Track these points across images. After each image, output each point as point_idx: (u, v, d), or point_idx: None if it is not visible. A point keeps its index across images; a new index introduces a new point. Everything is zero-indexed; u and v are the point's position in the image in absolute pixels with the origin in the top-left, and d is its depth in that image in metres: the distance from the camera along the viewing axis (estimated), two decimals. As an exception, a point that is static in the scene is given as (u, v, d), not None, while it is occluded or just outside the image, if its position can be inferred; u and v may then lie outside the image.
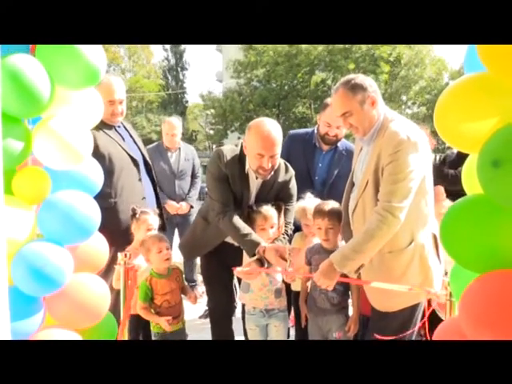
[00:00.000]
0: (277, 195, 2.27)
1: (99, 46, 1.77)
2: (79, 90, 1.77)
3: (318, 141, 2.79)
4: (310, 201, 2.45)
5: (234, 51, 23.24)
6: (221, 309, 2.35)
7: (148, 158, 2.79)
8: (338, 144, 2.80)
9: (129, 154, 2.60)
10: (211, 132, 26.20)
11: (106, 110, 2.40)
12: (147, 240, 2.34)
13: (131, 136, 2.73)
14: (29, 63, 1.57)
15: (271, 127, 2.04)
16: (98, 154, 2.26)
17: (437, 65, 20.08)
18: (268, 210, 2.18)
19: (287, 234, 2.29)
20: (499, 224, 1.08)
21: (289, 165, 2.33)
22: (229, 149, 2.22)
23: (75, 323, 1.79)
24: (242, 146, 2.19)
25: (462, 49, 1.35)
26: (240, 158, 2.19)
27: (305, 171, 2.73)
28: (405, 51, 18.99)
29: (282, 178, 2.25)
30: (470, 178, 1.21)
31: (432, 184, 1.88)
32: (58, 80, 1.68)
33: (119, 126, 2.65)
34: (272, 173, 2.16)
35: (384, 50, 18.68)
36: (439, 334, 1.33)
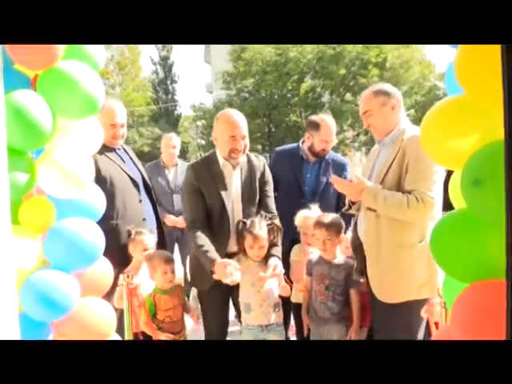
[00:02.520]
0: (260, 188, 2.37)
1: (97, 76, 1.85)
2: (80, 120, 1.84)
3: (306, 154, 2.94)
4: (314, 211, 2.56)
5: (223, 62, 23.43)
6: (215, 331, 2.39)
7: (147, 179, 2.85)
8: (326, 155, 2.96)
9: (129, 176, 2.66)
10: (203, 142, 26.26)
11: (108, 133, 2.48)
12: (154, 258, 2.40)
13: (131, 158, 2.80)
14: (31, 99, 1.64)
15: (236, 113, 2.30)
16: (99, 177, 2.33)
17: (423, 67, 20.38)
18: (260, 230, 2.22)
19: (276, 226, 2.32)
20: (484, 237, 1.16)
21: (256, 154, 2.49)
22: (195, 161, 2.41)
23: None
24: (209, 154, 2.38)
25: (448, 51, 1.43)
26: (209, 161, 2.32)
27: (294, 183, 2.89)
28: (389, 53, 19.20)
29: (257, 166, 2.38)
30: (456, 193, 1.30)
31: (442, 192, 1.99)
32: (59, 112, 1.75)
33: (119, 149, 2.72)
34: (245, 157, 2.31)
35: (373, 53, 18.91)
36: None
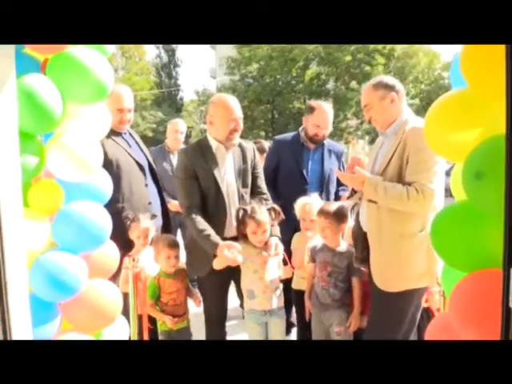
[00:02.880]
0: (252, 170, 2.45)
1: (106, 62, 1.87)
2: (89, 105, 1.86)
3: (305, 141, 3.00)
4: (313, 198, 2.60)
5: (227, 48, 23.19)
6: (215, 314, 2.45)
7: (153, 164, 2.88)
8: (324, 142, 3.03)
9: (135, 160, 2.69)
10: (206, 127, 26.16)
11: (115, 118, 2.50)
12: (159, 242, 2.45)
13: (137, 142, 2.83)
14: (42, 83, 1.66)
15: (230, 97, 2.39)
16: (105, 160, 2.32)
17: (429, 56, 20.20)
18: (262, 215, 2.27)
19: (273, 208, 2.38)
20: (483, 228, 1.19)
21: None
22: (187, 147, 2.47)
23: (90, 327, 1.89)
24: (198, 140, 2.45)
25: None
26: (201, 145, 2.37)
27: (297, 170, 2.95)
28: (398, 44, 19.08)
29: (247, 148, 2.47)
30: (457, 185, 1.32)
31: (444, 184, 2.01)
32: (69, 97, 1.77)
33: (125, 133, 2.74)
34: (238, 138, 2.38)
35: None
36: (432, 329, 1.45)
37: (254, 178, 2.47)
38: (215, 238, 2.19)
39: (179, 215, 4.03)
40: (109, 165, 2.42)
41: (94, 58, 1.80)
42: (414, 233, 1.95)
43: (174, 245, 2.47)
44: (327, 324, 2.32)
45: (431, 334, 1.41)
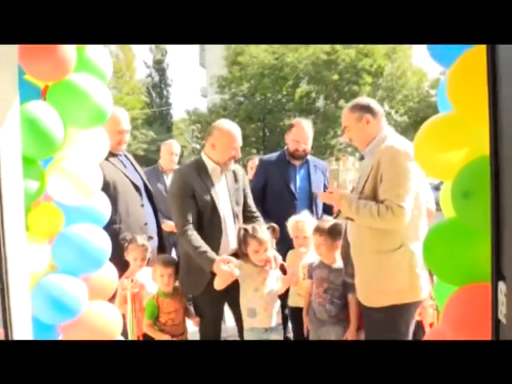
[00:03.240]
0: (243, 188, 2.55)
1: (105, 88, 1.93)
2: (89, 129, 1.91)
3: (290, 158, 3.11)
4: (304, 215, 2.69)
5: (218, 67, 23.53)
6: (211, 333, 2.46)
7: (148, 184, 2.92)
8: (308, 158, 3.15)
9: (131, 181, 2.73)
10: (197, 146, 26.31)
11: (113, 139, 2.56)
12: (155, 261, 2.47)
13: (132, 163, 2.87)
14: (44, 109, 1.71)
15: (234, 124, 2.47)
16: (103, 181, 2.38)
17: (417, 75, 20.69)
18: (263, 234, 2.32)
19: (273, 227, 2.46)
20: (472, 244, 1.25)
21: None
22: (182, 166, 2.53)
23: (90, 348, 1.90)
24: (194, 160, 2.51)
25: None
26: (198, 166, 2.43)
27: (285, 187, 3.04)
28: (386, 63, 19.53)
29: (238, 170, 2.57)
30: (446, 203, 1.39)
31: (425, 200, 2.06)
32: (70, 122, 1.82)
33: (120, 154, 2.79)
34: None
35: (366, 62, 19.20)
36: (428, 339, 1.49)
37: (244, 197, 2.56)
38: (211, 254, 2.23)
39: (173, 235, 4.07)
40: (106, 187, 2.44)
41: (94, 84, 1.86)
42: (392, 249, 1.98)
43: (168, 263, 2.48)
44: (324, 339, 2.35)
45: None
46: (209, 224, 2.36)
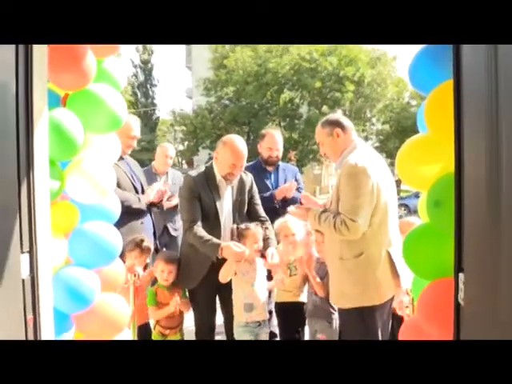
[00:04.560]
0: (249, 197, 2.74)
1: (120, 97, 2.11)
2: (105, 134, 2.10)
3: (265, 165, 3.46)
4: (288, 217, 2.88)
5: (204, 69, 23.67)
6: (206, 324, 2.67)
7: (145, 187, 3.11)
8: (279, 163, 3.51)
9: (132, 183, 2.92)
10: (181, 148, 26.32)
11: (124, 143, 2.78)
12: (158, 256, 2.66)
13: (131, 167, 3.06)
14: (67, 116, 1.89)
15: (242, 143, 2.58)
16: None
17: (398, 85, 21.30)
18: (256, 228, 2.57)
19: (266, 223, 2.73)
20: (443, 245, 1.49)
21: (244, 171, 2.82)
22: (194, 172, 2.67)
23: (100, 337, 2.07)
24: (205, 168, 2.66)
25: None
26: (207, 175, 2.61)
27: (264, 189, 3.32)
28: (368, 72, 20.06)
29: (246, 181, 2.75)
30: (423, 210, 1.64)
31: (390, 207, 2.14)
32: (88, 128, 2.00)
33: (125, 158, 3.00)
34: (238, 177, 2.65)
35: (348, 70, 19.68)
36: (404, 330, 1.74)
37: (252, 205, 2.77)
38: (217, 240, 2.44)
39: (165, 236, 4.21)
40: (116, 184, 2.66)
41: (110, 93, 2.05)
42: (352, 256, 2.08)
43: (170, 260, 2.67)
44: (312, 330, 2.58)
45: (405, 332, 1.70)
46: (209, 232, 2.52)
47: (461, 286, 1.12)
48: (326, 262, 2.34)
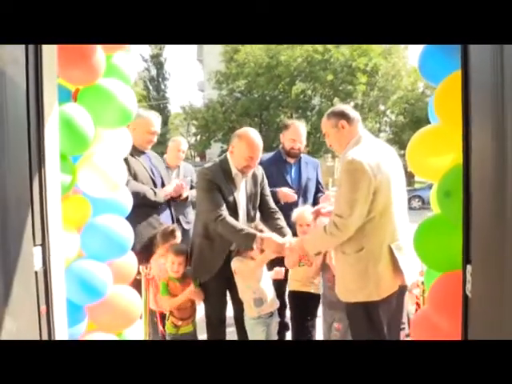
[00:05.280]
0: (261, 188, 2.77)
1: (131, 91, 2.13)
2: (115, 129, 2.12)
3: (285, 155, 3.40)
4: (306, 207, 2.99)
5: (215, 62, 23.62)
6: (216, 316, 2.70)
7: (165, 181, 3.15)
8: (301, 156, 3.45)
9: (151, 177, 2.97)
10: (193, 141, 26.40)
11: (144, 139, 2.93)
12: (169, 247, 2.69)
13: (151, 162, 3.11)
14: (78, 111, 1.91)
15: (257, 136, 2.58)
16: (130, 172, 2.66)
17: (412, 76, 20.94)
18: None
19: (277, 214, 2.78)
20: (454, 236, 1.47)
21: None
22: (209, 166, 2.67)
23: (114, 327, 2.11)
24: (220, 161, 2.64)
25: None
26: (223, 168, 2.60)
27: (282, 182, 3.33)
28: (381, 62, 19.76)
29: (258, 174, 2.77)
30: (435, 201, 1.62)
31: (395, 201, 2.07)
32: (98, 122, 2.02)
33: (146, 153, 3.05)
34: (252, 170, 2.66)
35: (361, 61, 19.42)
36: (415, 321, 1.73)
37: (263, 197, 2.78)
38: (253, 231, 2.43)
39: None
40: (134, 178, 2.81)
41: (120, 88, 2.06)
42: (354, 251, 2.06)
43: (180, 252, 2.68)
44: (330, 321, 2.58)
45: (415, 325, 1.69)
46: None
47: (468, 277, 1.11)
48: (334, 256, 2.34)
